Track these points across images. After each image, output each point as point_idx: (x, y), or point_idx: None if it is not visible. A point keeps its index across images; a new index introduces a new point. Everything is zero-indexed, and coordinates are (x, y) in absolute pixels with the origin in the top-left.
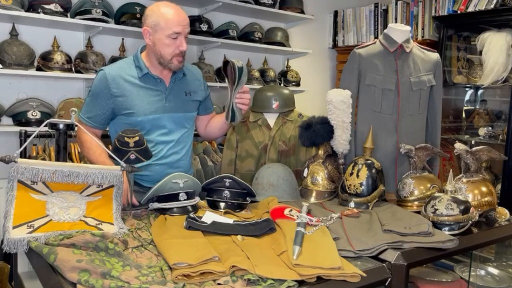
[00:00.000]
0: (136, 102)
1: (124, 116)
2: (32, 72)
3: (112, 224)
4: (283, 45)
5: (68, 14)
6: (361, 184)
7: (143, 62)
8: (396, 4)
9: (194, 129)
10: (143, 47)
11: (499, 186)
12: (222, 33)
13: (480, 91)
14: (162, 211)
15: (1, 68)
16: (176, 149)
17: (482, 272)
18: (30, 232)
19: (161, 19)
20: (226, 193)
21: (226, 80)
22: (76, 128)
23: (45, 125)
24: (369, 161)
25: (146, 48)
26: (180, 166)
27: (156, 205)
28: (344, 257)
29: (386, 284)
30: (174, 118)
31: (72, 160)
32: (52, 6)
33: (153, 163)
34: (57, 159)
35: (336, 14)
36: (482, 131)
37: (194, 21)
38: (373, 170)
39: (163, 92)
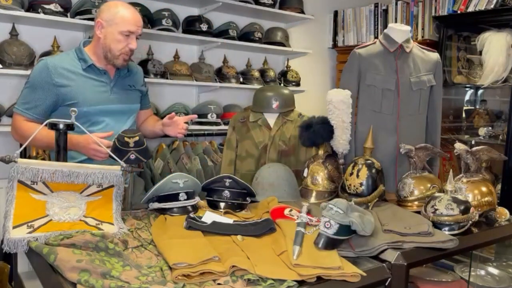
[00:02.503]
0: (81, 91)
1: (67, 107)
2: None
3: (112, 224)
4: (283, 45)
5: (68, 14)
6: (361, 184)
7: (87, 55)
8: (396, 4)
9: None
10: (85, 42)
11: (499, 186)
12: (222, 33)
13: (480, 91)
14: (162, 211)
15: (1, 68)
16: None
17: (482, 272)
18: (30, 232)
19: (117, 15)
20: (226, 193)
21: None
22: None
23: (45, 125)
24: (369, 161)
25: (93, 41)
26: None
27: (156, 205)
28: (344, 257)
29: (386, 284)
30: (119, 109)
31: None
32: (52, 6)
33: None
34: (57, 159)
35: (336, 14)
36: (482, 131)
37: (194, 21)
38: (373, 170)
39: (108, 84)
